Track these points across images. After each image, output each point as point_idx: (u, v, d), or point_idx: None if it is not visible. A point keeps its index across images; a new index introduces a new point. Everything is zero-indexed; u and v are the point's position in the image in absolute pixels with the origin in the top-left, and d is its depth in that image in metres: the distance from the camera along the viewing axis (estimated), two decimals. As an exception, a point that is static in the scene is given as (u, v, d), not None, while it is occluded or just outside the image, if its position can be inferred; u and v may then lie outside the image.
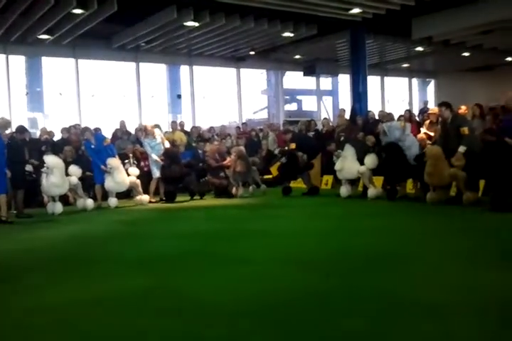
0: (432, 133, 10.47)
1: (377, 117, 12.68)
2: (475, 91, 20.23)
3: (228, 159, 10.52)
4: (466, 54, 17.48)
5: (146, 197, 9.69)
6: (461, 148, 7.84)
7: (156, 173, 9.88)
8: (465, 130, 7.96)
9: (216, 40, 14.85)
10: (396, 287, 3.82)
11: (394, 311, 3.30)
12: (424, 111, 13.94)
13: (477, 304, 3.36)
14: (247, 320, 3.24)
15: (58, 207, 8.63)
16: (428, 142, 9.92)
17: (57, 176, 8.42)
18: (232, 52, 16.78)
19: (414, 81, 22.88)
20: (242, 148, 11.04)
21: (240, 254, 5.12)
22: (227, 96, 18.28)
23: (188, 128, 14.01)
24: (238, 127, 14.86)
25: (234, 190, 10.29)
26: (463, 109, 10.16)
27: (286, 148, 10.89)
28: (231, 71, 18.15)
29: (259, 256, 5.00)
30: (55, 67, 15.71)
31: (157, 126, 11.06)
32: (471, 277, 4.00)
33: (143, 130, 10.20)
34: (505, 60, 19.05)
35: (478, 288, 3.69)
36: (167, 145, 10.12)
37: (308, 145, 10.46)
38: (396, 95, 21.98)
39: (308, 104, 20.52)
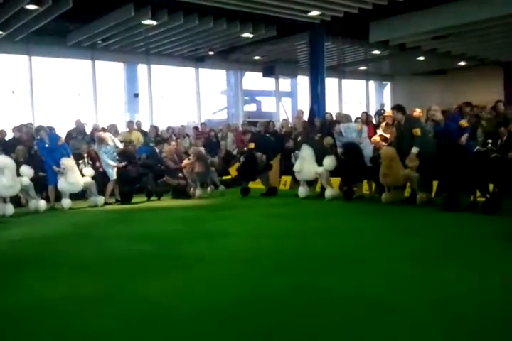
0: (387, 135, 10.66)
1: (334, 119, 12.79)
2: (429, 94, 20.78)
3: (186, 160, 10.42)
4: (421, 58, 17.92)
5: (101, 199, 9.48)
6: (414, 150, 8.03)
7: (113, 175, 9.68)
8: (417, 131, 8.15)
9: (175, 40, 14.69)
10: (350, 286, 3.87)
11: (348, 310, 3.34)
12: (380, 113, 14.19)
13: (429, 302, 3.43)
14: (205, 321, 3.23)
15: (9, 209, 8.33)
16: (384, 144, 10.12)
17: (8, 177, 8.14)
18: (190, 52, 16.66)
19: (371, 83, 23.31)
20: (201, 148, 10.97)
21: (197, 255, 5.10)
22: (186, 96, 18.14)
23: (145, 127, 13.83)
24: (196, 127, 14.75)
25: (192, 190, 10.21)
26: (417, 112, 10.39)
27: (245, 148, 10.90)
28: (190, 71, 18.03)
29: (217, 257, 5.00)
30: (8, 65, 15.20)
31: (104, 129, 10.97)
32: (423, 276, 4.09)
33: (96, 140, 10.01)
34: (458, 64, 19.62)
35: (430, 287, 3.77)
36: (120, 145, 9.95)
37: (267, 146, 10.49)
38: (353, 97, 22.32)
39: (268, 104, 20.60)
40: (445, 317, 3.16)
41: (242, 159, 10.53)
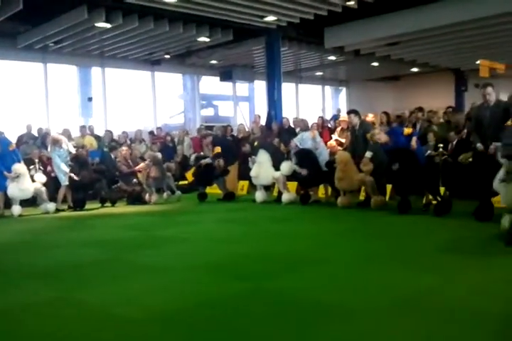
0: (343, 140, 10.83)
1: (291, 124, 12.89)
2: (383, 99, 21.22)
3: (141, 164, 10.26)
4: (375, 64, 18.26)
5: (52, 205, 9.20)
6: (368, 154, 8.16)
7: (65, 181, 9.42)
8: (371, 137, 8.28)
9: (129, 43, 14.46)
10: (307, 290, 3.88)
11: (305, 314, 3.34)
12: (336, 118, 14.38)
13: (386, 304, 3.46)
14: (154, 328, 3.17)
15: None
16: (339, 148, 10.25)
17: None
18: (146, 55, 16.43)
19: (327, 89, 23.61)
20: (158, 153, 10.83)
21: (151, 262, 5.02)
22: (142, 100, 17.89)
23: (100, 132, 13.55)
24: (152, 132, 14.55)
25: (147, 196, 10.05)
26: (370, 117, 10.58)
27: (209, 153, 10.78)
28: (146, 74, 17.79)
29: (171, 263, 4.94)
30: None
31: (63, 132, 10.71)
32: (378, 278, 4.14)
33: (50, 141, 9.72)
34: (410, 70, 20.10)
35: (386, 288, 3.82)
36: (73, 150, 9.71)
37: (227, 150, 10.42)
38: (310, 102, 22.54)
39: (225, 109, 20.56)
40: (401, 318, 3.19)
41: (208, 160, 10.38)
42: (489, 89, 6.63)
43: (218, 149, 10.28)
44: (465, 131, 9.82)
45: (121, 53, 15.94)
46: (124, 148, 10.53)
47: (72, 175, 9.37)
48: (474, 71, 15.27)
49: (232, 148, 10.88)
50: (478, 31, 12.86)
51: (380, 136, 7.98)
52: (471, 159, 6.94)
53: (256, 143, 11.35)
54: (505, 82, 17.39)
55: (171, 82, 18.92)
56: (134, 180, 10.25)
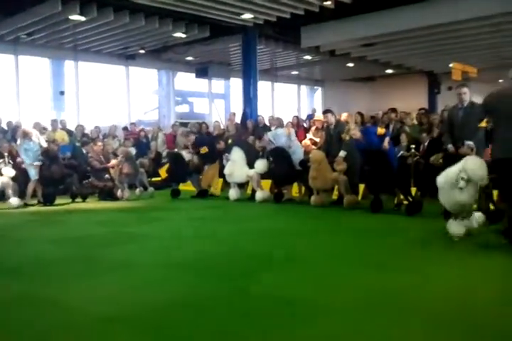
0: (317, 139, 10.87)
1: (267, 122, 12.89)
2: (358, 100, 21.40)
3: (114, 160, 10.12)
4: (351, 64, 18.39)
5: (14, 200, 8.97)
6: (342, 153, 8.22)
7: (34, 175, 9.23)
8: (345, 135, 8.34)
9: (104, 37, 14.24)
10: (282, 288, 3.87)
11: (283, 312, 3.34)
12: (311, 117, 14.44)
13: (362, 302, 3.49)
14: (122, 327, 3.13)
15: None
16: (313, 147, 10.29)
17: None
18: (121, 50, 16.20)
19: (303, 88, 23.69)
20: (132, 149, 10.69)
21: (122, 259, 4.96)
22: (115, 95, 17.65)
23: (72, 127, 13.31)
24: (126, 127, 14.37)
25: (119, 192, 9.92)
26: (345, 117, 10.64)
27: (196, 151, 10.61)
28: (120, 69, 17.56)
29: (143, 260, 4.89)
30: None
31: (34, 126, 10.45)
32: (353, 276, 4.16)
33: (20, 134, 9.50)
34: (385, 71, 20.32)
35: (360, 287, 3.84)
36: (44, 144, 9.52)
37: (211, 149, 10.30)
38: (286, 101, 22.59)
39: (200, 106, 20.44)
40: (376, 316, 3.21)
41: (194, 159, 10.27)
42: (464, 89, 6.72)
43: (205, 149, 10.17)
44: (436, 130, 9.97)
45: (95, 47, 15.70)
46: (99, 143, 10.35)
47: (38, 163, 9.15)
48: (447, 74, 15.53)
49: (214, 147, 10.73)
50: (451, 34, 13.07)
51: (355, 131, 8.12)
52: (441, 160, 7.04)
53: (230, 141, 11.33)
54: (477, 86, 17.75)
55: (145, 78, 18.71)
56: (106, 175, 10.11)
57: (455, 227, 5.40)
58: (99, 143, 10.38)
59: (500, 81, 21.04)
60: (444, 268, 4.41)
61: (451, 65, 12.76)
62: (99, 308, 3.47)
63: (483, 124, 6.69)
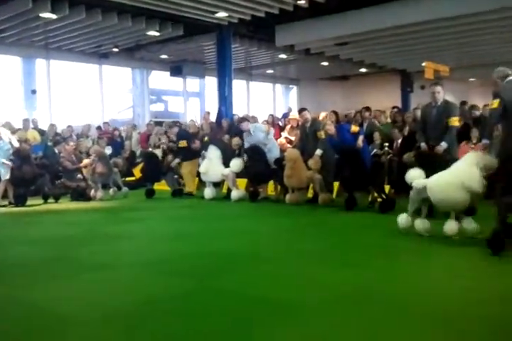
0: (292, 138, 10.91)
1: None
2: (333, 98, 21.55)
3: (86, 160, 9.98)
4: (325, 63, 18.49)
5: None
6: (318, 152, 8.27)
7: (5, 175, 9.05)
8: (321, 134, 8.40)
9: (76, 35, 14.03)
10: (253, 287, 3.87)
11: (252, 311, 3.34)
12: (286, 116, 14.48)
13: (330, 300, 3.50)
14: (95, 328, 3.09)
15: None
16: (288, 146, 10.33)
17: None
18: (93, 48, 15.98)
19: (278, 87, 23.74)
20: (109, 147, 10.56)
21: (95, 260, 4.90)
22: (89, 94, 17.41)
23: (44, 126, 13.10)
24: (99, 127, 14.20)
25: (92, 192, 9.80)
26: (322, 116, 10.70)
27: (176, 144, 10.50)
28: (93, 67, 17.33)
29: (115, 261, 4.84)
30: None
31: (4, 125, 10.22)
32: (325, 274, 4.18)
33: None
34: (359, 70, 20.49)
35: (330, 285, 3.86)
36: (16, 144, 9.34)
37: (188, 145, 10.20)
38: (261, 100, 22.61)
39: (175, 105, 20.31)
40: (345, 314, 3.23)
41: (172, 159, 10.15)
42: (438, 88, 6.80)
43: (184, 143, 10.06)
44: (407, 128, 10.11)
45: (67, 45, 15.46)
46: (71, 143, 10.19)
47: (7, 162, 8.98)
48: (420, 73, 15.74)
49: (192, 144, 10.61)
50: (424, 34, 13.23)
51: (331, 127, 8.23)
52: (413, 158, 7.13)
53: (206, 139, 11.28)
54: (449, 84, 18.04)
55: (119, 76, 18.51)
56: (79, 175, 9.98)
57: (421, 224, 5.53)
58: (72, 143, 10.23)
59: (472, 79, 21.48)
60: (415, 265, 4.48)
61: (423, 64, 12.92)
62: (71, 308, 3.43)
63: (456, 123, 6.79)
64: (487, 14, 11.23)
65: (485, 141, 5.26)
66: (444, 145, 6.54)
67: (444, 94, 6.85)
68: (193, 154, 10.11)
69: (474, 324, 3.03)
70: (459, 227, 5.27)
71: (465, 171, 5.07)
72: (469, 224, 5.25)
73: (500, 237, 4.65)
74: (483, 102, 14.14)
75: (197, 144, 10.55)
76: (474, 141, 9.17)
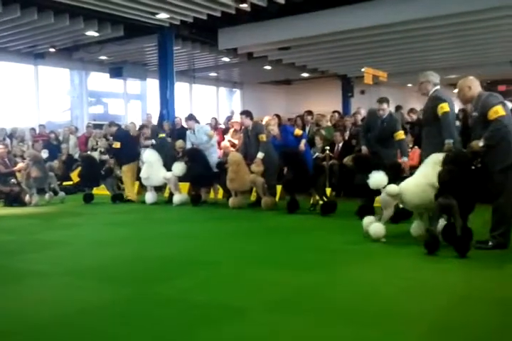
0: (236, 141, 10.89)
1: (184, 123, 12.70)
2: (276, 102, 21.74)
3: (20, 164, 9.56)
4: (268, 67, 18.60)
5: None
6: (260, 155, 8.27)
7: None
8: (263, 137, 8.41)
9: (10, 33, 13.40)
10: (195, 292, 3.80)
11: (194, 315, 3.27)
12: (229, 119, 14.45)
13: (272, 302, 3.48)
14: (33, 338, 2.91)
15: None
16: (232, 149, 10.29)
17: None
18: (29, 48, 15.36)
19: (222, 90, 23.69)
20: (44, 152, 10.15)
21: (30, 267, 4.69)
22: (24, 96, 16.71)
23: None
24: (33, 129, 13.64)
25: (27, 197, 9.40)
26: (266, 120, 10.71)
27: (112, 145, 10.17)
28: (29, 68, 16.66)
29: (51, 268, 4.64)
30: None
31: None
32: (266, 277, 4.15)
33: None
34: (301, 75, 20.74)
35: (275, 288, 3.84)
36: None
37: (126, 148, 9.89)
38: (204, 103, 22.47)
39: (115, 107, 19.85)
40: (287, 316, 3.20)
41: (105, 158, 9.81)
42: (383, 105, 7.00)
43: (117, 145, 9.76)
44: (347, 132, 10.31)
45: (0, 44, 14.79)
46: (1, 146, 9.73)
47: None
48: (360, 78, 16.11)
49: (131, 146, 10.25)
50: (363, 40, 13.54)
51: (274, 127, 8.26)
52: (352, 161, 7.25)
53: (161, 135, 11.04)
54: (387, 90, 18.61)
55: (56, 77, 17.88)
56: (12, 180, 9.54)
57: (377, 229, 5.39)
58: (1, 146, 9.77)
59: (409, 85, 22.23)
60: (355, 266, 4.52)
61: (363, 70, 13.21)
62: (2, 319, 3.25)
63: (402, 136, 7.01)
64: (423, 22, 11.62)
65: (448, 141, 5.41)
66: (405, 159, 6.91)
67: (388, 109, 7.05)
68: (129, 158, 9.84)
69: (413, 322, 3.08)
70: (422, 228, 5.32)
71: (431, 172, 5.08)
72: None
73: (435, 238, 4.78)
74: (420, 107, 14.69)
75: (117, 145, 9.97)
76: (411, 145, 9.47)
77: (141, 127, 11.19)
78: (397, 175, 6.56)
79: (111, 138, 10.71)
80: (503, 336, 2.92)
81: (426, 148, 5.77)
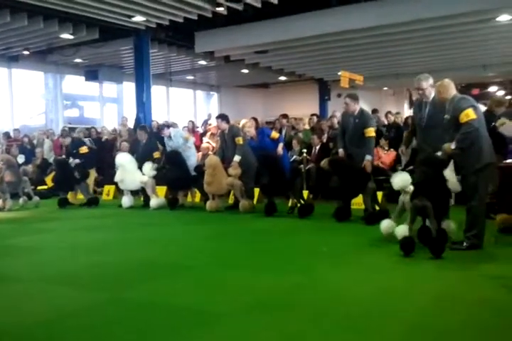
0: (214, 144, 10.86)
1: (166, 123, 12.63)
2: (253, 106, 21.77)
3: (-7, 168, 9.39)
4: (245, 71, 18.61)
5: None
6: (237, 158, 8.26)
7: None
8: (240, 140, 8.40)
9: (-18, 36, 13.23)
10: (173, 296, 3.76)
11: (171, 320, 3.23)
12: (207, 122, 14.44)
13: (251, 306, 3.46)
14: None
15: None
16: (210, 152, 10.27)
17: None
18: (2, 51, 15.11)
19: (199, 93, 23.63)
20: (20, 156, 9.98)
21: (3, 273, 4.60)
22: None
23: None
24: (7, 133, 13.40)
25: (0, 202, 9.22)
26: (243, 122, 10.71)
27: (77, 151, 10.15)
28: (2, 71, 16.37)
29: (24, 274, 4.56)
30: None
31: None
32: (241, 281, 4.14)
33: None
34: (278, 79, 20.81)
35: (249, 291, 3.83)
36: None
37: (93, 152, 9.89)
38: (181, 106, 22.37)
39: (91, 110, 19.62)
40: (265, 319, 3.19)
41: (75, 161, 9.76)
42: (347, 99, 7.02)
43: (84, 149, 9.69)
44: (325, 135, 10.37)
45: (-28, 46, 14.53)
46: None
47: None
48: (336, 81, 16.23)
49: (99, 150, 10.27)
50: (339, 44, 13.65)
51: (251, 129, 8.25)
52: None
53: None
54: (363, 93, 18.77)
55: (31, 81, 17.60)
56: (-15, 184, 9.34)
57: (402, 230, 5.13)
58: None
59: (385, 88, 22.48)
60: (331, 268, 4.54)
61: (339, 73, 13.30)
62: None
63: (372, 133, 7.01)
64: (398, 26, 11.76)
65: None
66: (369, 158, 6.77)
67: (355, 104, 7.05)
68: (92, 161, 9.95)
69: (389, 322, 3.10)
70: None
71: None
72: (449, 225, 5.18)
73: (411, 239, 4.82)
74: (396, 110, 14.87)
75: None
76: (386, 148, 9.58)
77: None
78: (368, 176, 6.64)
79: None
80: (479, 335, 2.95)
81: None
